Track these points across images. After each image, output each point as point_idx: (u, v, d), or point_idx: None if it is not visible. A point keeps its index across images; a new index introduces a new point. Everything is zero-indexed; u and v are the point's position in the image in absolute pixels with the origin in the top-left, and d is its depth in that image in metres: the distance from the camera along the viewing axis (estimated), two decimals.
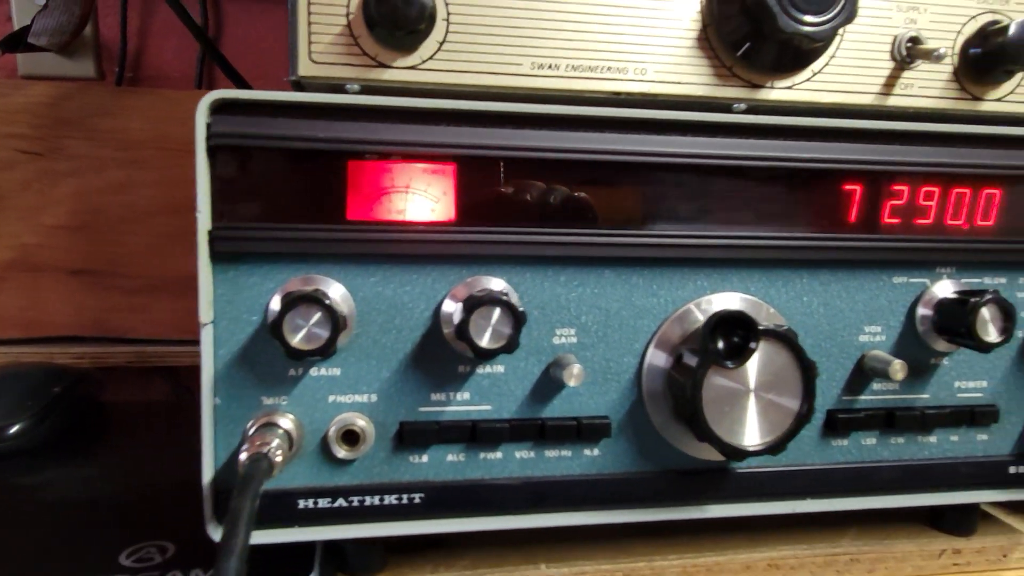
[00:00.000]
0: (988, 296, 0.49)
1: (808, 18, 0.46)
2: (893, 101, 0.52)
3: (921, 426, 0.53)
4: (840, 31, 0.50)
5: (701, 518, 0.52)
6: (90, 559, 0.49)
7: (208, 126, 0.43)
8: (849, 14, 0.46)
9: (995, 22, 0.52)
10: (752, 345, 0.45)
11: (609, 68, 0.49)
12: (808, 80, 0.51)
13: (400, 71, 0.47)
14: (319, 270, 0.45)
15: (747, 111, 0.51)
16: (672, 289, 0.50)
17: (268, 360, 0.45)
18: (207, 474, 0.45)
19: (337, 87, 0.46)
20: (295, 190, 0.44)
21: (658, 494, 0.51)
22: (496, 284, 0.47)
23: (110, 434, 0.79)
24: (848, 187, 0.51)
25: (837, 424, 0.52)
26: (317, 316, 0.42)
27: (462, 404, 0.48)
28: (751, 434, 0.46)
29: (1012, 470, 0.55)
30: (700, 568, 0.54)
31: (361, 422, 0.46)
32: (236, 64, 0.92)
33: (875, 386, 0.53)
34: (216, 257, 0.44)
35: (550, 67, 0.48)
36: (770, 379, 0.47)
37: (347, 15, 0.45)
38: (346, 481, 0.47)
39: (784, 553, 0.55)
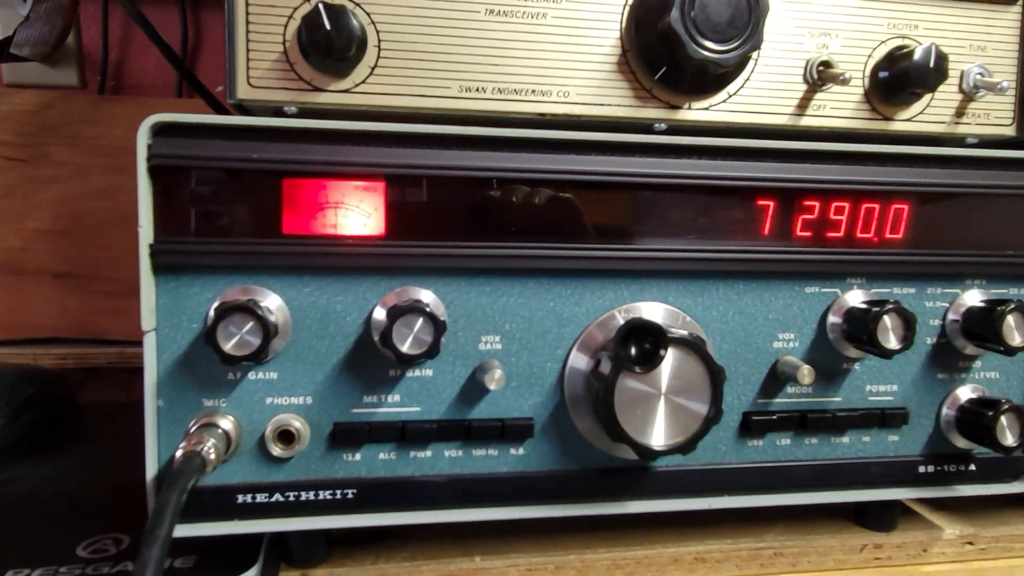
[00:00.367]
0: (890, 306, 0.52)
1: (715, 46, 0.49)
2: (806, 121, 0.55)
3: (833, 428, 0.56)
4: (754, 55, 0.53)
5: (626, 513, 0.55)
6: (48, 550, 0.52)
7: (149, 147, 0.46)
8: (755, 42, 0.49)
9: (903, 47, 0.55)
10: (661, 352, 0.48)
11: (533, 91, 0.52)
12: (724, 101, 0.54)
13: (334, 94, 0.50)
14: (256, 281, 0.48)
15: (667, 131, 0.54)
16: (594, 299, 0.53)
17: (208, 365, 0.48)
18: (151, 471, 0.48)
19: (275, 109, 0.50)
20: (233, 206, 0.48)
21: (581, 491, 0.54)
22: (424, 294, 0.50)
23: (82, 433, 0.82)
24: (762, 202, 0.54)
25: (752, 426, 0.55)
26: (249, 325, 0.45)
27: (393, 406, 0.51)
28: (661, 435, 0.50)
29: (921, 469, 0.58)
30: (629, 561, 0.57)
31: (296, 423, 0.49)
32: (215, 70, 0.95)
33: (789, 390, 0.56)
34: (158, 269, 0.47)
35: (477, 90, 0.51)
36: (680, 384, 0.50)
37: (283, 42, 0.49)
38: (283, 478, 0.50)
39: (710, 547, 0.58)
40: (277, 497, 0.50)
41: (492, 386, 0.49)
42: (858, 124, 0.56)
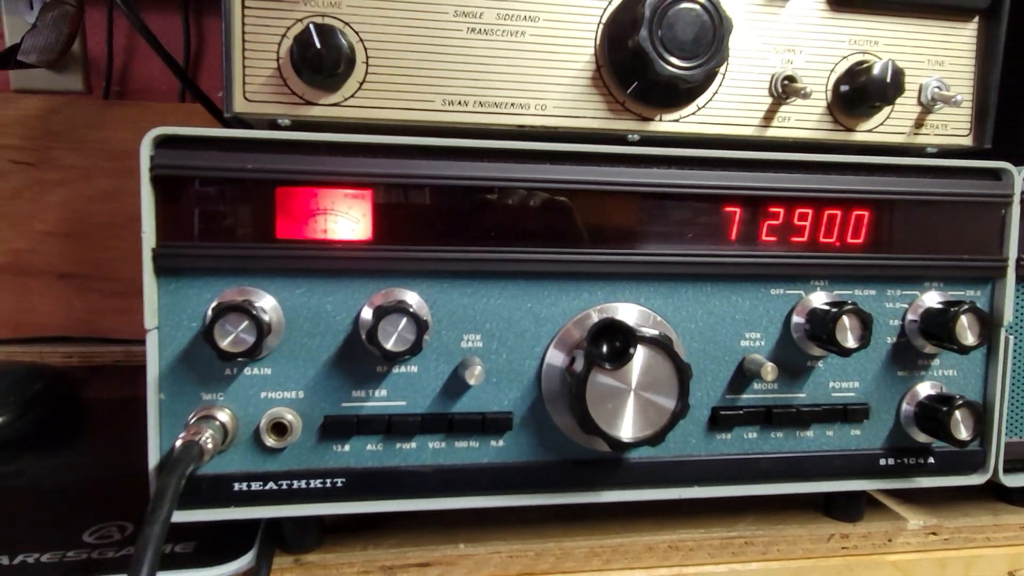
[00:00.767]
0: (848, 307, 0.55)
1: (681, 63, 0.52)
2: (772, 132, 0.59)
3: (797, 422, 0.59)
4: (721, 70, 0.56)
5: (603, 503, 0.58)
6: (56, 537, 0.55)
7: (151, 158, 0.49)
8: (719, 59, 0.53)
9: (863, 62, 0.58)
10: (631, 350, 0.52)
11: (512, 104, 0.55)
12: (694, 114, 0.57)
13: (325, 108, 0.53)
14: (252, 282, 0.52)
15: (639, 142, 0.57)
16: (569, 300, 0.56)
17: (206, 361, 0.51)
18: (152, 460, 0.51)
19: (270, 122, 0.53)
20: (230, 213, 0.51)
21: (557, 481, 0.57)
22: (409, 295, 0.53)
23: (87, 427, 0.85)
24: (729, 209, 0.57)
25: (720, 420, 0.58)
26: (245, 323, 0.48)
27: (380, 400, 0.54)
28: (630, 428, 0.53)
29: (882, 462, 0.61)
30: (606, 549, 0.60)
31: (289, 416, 0.52)
32: (218, 76, 0.98)
33: (755, 386, 0.59)
34: (159, 271, 0.50)
35: (460, 103, 0.55)
36: (650, 380, 0.53)
37: (277, 59, 0.52)
38: (276, 467, 0.53)
39: (684, 536, 0.61)
40: (271, 485, 0.53)
41: (473, 381, 0.52)
42: (821, 135, 0.59)
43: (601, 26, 0.55)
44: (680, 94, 0.56)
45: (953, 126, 0.61)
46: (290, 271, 0.52)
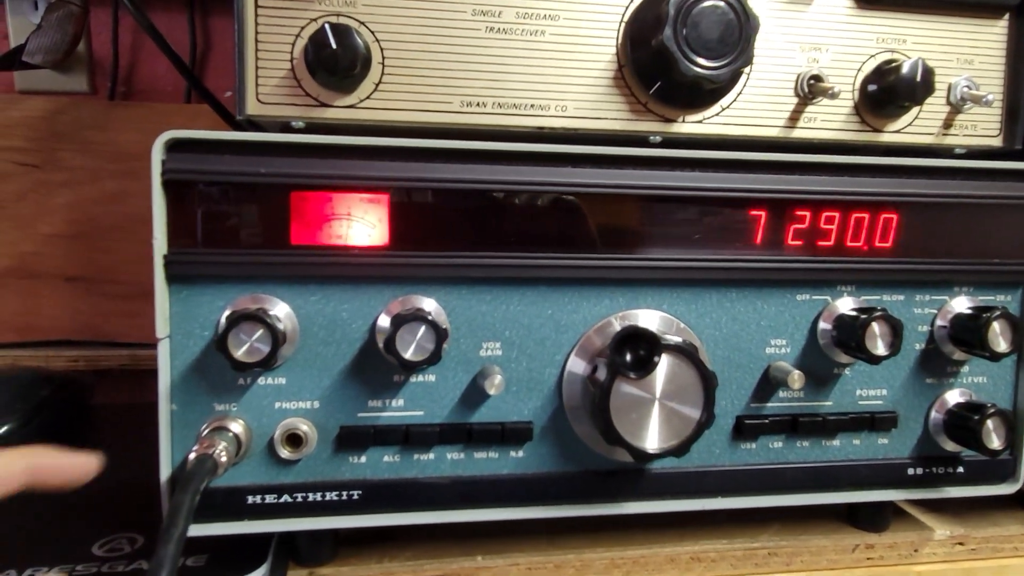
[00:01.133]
0: (877, 313, 0.54)
1: (706, 63, 0.51)
2: (798, 133, 0.57)
3: (824, 431, 0.58)
4: (746, 70, 0.55)
5: (623, 514, 0.57)
6: (65, 548, 0.54)
7: (163, 162, 0.48)
8: (745, 58, 0.51)
9: (891, 61, 0.57)
10: (655, 358, 0.50)
11: (532, 105, 0.54)
12: (718, 115, 0.56)
13: (340, 110, 0.52)
14: (265, 290, 0.50)
15: (662, 144, 0.56)
16: (591, 307, 0.54)
17: (219, 370, 0.50)
18: (164, 472, 0.50)
19: (283, 124, 0.52)
20: (243, 218, 0.50)
21: (579, 492, 0.56)
22: (427, 302, 0.52)
23: (95, 435, 0.84)
24: (754, 212, 0.55)
25: (745, 429, 0.57)
26: (259, 332, 0.47)
27: (397, 410, 0.53)
28: (655, 438, 0.51)
29: (910, 471, 0.60)
30: (627, 560, 0.59)
31: (304, 426, 0.51)
32: (224, 75, 0.97)
33: (781, 394, 0.58)
34: (171, 279, 0.49)
35: (478, 105, 0.53)
36: (674, 389, 0.51)
37: (291, 60, 0.51)
38: (291, 479, 0.52)
39: (706, 547, 0.60)
40: (286, 498, 0.51)
41: (492, 391, 0.51)
42: (848, 136, 0.58)
43: (623, 25, 0.54)
44: (704, 95, 0.54)
45: (983, 127, 0.60)
46: (305, 278, 0.51)
